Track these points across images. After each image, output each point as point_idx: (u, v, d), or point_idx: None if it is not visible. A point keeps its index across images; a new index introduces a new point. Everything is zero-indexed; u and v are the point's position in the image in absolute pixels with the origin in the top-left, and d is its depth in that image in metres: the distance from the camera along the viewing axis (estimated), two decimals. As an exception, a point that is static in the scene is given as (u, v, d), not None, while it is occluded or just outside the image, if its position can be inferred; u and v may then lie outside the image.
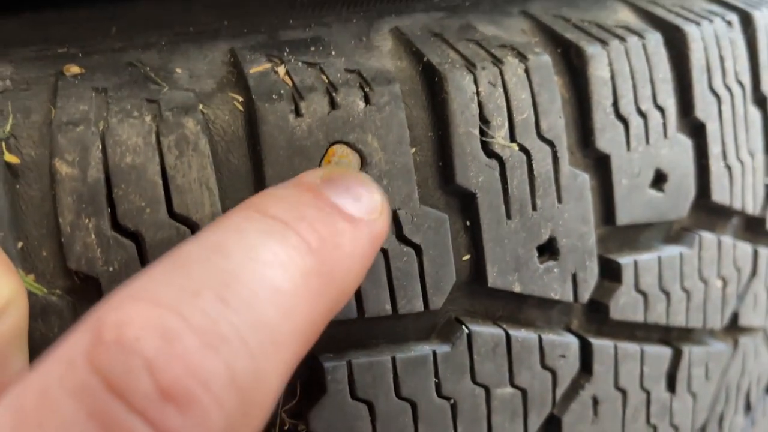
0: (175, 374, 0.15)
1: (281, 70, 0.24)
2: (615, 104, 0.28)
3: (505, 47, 0.27)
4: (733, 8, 0.35)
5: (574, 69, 0.28)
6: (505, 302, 0.28)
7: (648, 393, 0.32)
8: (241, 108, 0.23)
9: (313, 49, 0.25)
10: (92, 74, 0.24)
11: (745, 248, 0.36)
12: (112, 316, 0.16)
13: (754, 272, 0.37)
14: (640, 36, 0.30)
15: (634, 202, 0.30)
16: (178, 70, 0.24)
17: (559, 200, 0.27)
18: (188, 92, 0.23)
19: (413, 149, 0.25)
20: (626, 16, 0.32)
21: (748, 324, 0.38)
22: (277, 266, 0.18)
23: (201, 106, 0.23)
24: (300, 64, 0.24)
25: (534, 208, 0.27)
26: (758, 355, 0.40)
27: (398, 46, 0.27)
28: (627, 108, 0.29)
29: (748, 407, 0.39)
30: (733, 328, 0.37)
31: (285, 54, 0.25)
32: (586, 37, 0.28)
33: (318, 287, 0.18)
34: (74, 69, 0.23)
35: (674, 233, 0.33)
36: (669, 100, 0.30)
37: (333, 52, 0.25)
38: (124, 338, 0.16)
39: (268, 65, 0.24)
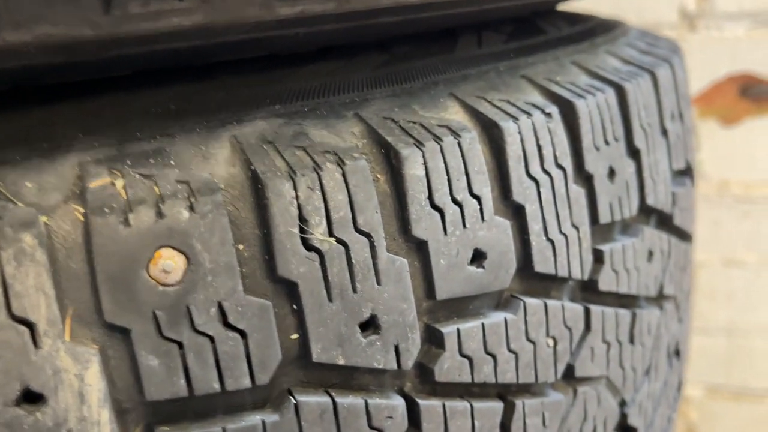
0: None
1: (119, 183, 0.28)
2: (430, 197, 0.33)
3: (328, 153, 0.31)
4: (556, 99, 0.40)
5: (393, 168, 0.32)
6: (337, 372, 0.32)
7: (479, 445, 0.36)
8: (81, 219, 0.27)
9: (152, 161, 0.29)
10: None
11: (575, 308, 0.40)
12: None
13: (588, 328, 0.42)
14: (456, 135, 0.34)
15: (454, 279, 0.34)
16: (29, 185, 0.28)
17: (379, 283, 0.32)
18: (31, 207, 0.26)
19: (242, 246, 0.29)
20: (454, 113, 0.37)
21: (586, 374, 0.42)
22: None
23: (45, 218, 0.27)
24: (137, 176, 0.28)
25: (354, 291, 0.31)
26: (602, 401, 0.44)
27: (233, 154, 0.31)
28: (442, 199, 0.33)
29: (590, 450, 0.43)
30: (571, 378, 0.41)
31: (126, 167, 0.29)
32: (405, 139, 0.33)
33: None
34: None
35: (503, 301, 0.37)
36: (485, 189, 0.35)
37: (172, 162, 0.29)
38: None
39: (107, 179, 0.28)
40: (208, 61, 0.36)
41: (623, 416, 0.47)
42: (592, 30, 0.54)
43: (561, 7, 0.65)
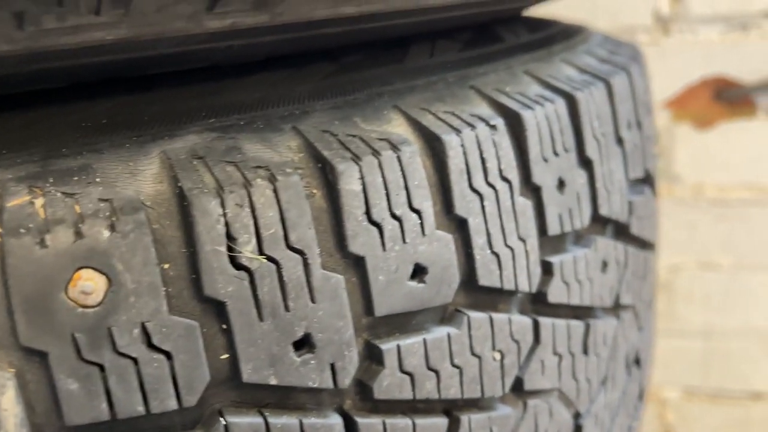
0: None
1: (39, 202, 0.27)
2: (367, 212, 0.32)
3: (260, 168, 0.31)
4: (503, 111, 0.39)
5: (329, 183, 0.32)
6: (272, 391, 0.32)
7: (422, 462, 0.35)
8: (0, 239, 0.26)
9: (76, 178, 0.28)
10: None
11: (523, 321, 0.40)
12: None
13: (537, 341, 0.41)
14: (396, 149, 0.34)
15: (393, 295, 0.33)
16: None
17: (313, 300, 0.31)
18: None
19: (167, 265, 0.29)
20: (397, 126, 0.36)
21: (537, 387, 0.42)
22: None
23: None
24: (59, 194, 0.28)
25: (287, 309, 0.30)
26: (554, 414, 0.44)
27: (162, 170, 0.30)
28: (380, 214, 0.33)
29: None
30: (520, 392, 0.41)
31: (48, 184, 0.28)
32: (343, 154, 0.32)
33: None
34: None
35: (448, 315, 0.37)
36: (425, 203, 0.34)
37: (97, 179, 0.29)
38: None
39: (27, 198, 0.27)
40: (144, 73, 0.36)
41: (578, 428, 0.47)
42: (551, 38, 0.54)
43: (535, 11, 0.65)
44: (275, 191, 0.30)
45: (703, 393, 1.38)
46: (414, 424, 0.35)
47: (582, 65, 0.49)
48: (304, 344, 0.31)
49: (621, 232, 0.50)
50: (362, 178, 0.32)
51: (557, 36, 0.55)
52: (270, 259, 0.30)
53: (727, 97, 1.22)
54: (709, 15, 1.20)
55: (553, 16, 0.67)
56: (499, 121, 0.38)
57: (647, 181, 0.55)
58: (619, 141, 0.48)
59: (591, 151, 0.44)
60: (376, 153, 0.33)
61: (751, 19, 1.19)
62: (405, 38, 0.48)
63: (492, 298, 0.39)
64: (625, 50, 0.58)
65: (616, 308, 0.50)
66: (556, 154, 0.41)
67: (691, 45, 1.22)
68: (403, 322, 0.35)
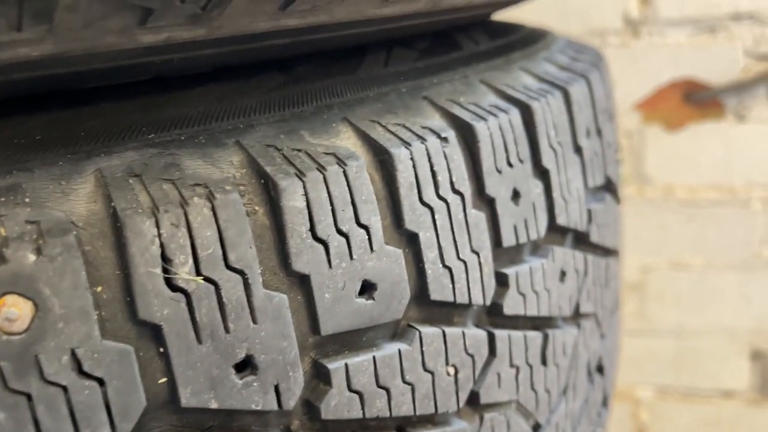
0: None
1: (-39, 225, 0.26)
2: (312, 229, 0.32)
3: (198, 186, 0.30)
4: (455, 122, 0.39)
5: (272, 200, 0.31)
6: (214, 414, 0.31)
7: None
8: None
9: (4, 199, 0.27)
10: None
11: (478, 334, 0.40)
12: None
13: (493, 354, 0.41)
14: (342, 163, 0.33)
15: (340, 313, 0.33)
16: None
17: (254, 321, 0.30)
18: None
19: (100, 288, 0.28)
20: (346, 139, 0.35)
21: (493, 400, 0.41)
22: None
23: None
24: (-17, 217, 0.26)
25: (227, 331, 0.30)
26: (512, 426, 0.43)
27: (96, 189, 0.29)
28: (326, 230, 0.32)
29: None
30: (476, 405, 0.41)
31: (-28, 207, 0.27)
32: (286, 169, 0.32)
33: None
34: None
35: (400, 331, 0.36)
36: (373, 218, 0.34)
37: (27, 200, 0.28)
38: None
39: (-51, 221, 0.26)
40: (83, 87, 0.35)
41: (537, 438, 0.46)
42: (511, 45, 0.53)
43: (503, 16, 0.64)
44: (213, 210, 0.29)
45: (675, 392, 1.39)
46: (364, 443, 0.35)
47: (540, 73, 0.49)
48: (246, 366, 0.31)
49: (580, 240, 0.50)
50: (306, 194, 0.32)
51: (517, 43, 0.54)
52: (208, 279, 0.29)
53: (695, 99, 1.23)
54: (678, 18, 1.21)
55: (521, 20, 0.67)
56: (451, 134, 0.38)
57: (608, 188, 0.55)
58: (578, 149, 0.48)
59: (547, 160, 0.44)
60: (321, 168, 0.32)
61: (718, 21, 1.20)
62: (360, 47, 0.47)
63: (446, 312, 0.38)
64: (586, 56, 0.58)
65: (576, 317, 0.50)
66: (510, 165, 0.41)
67: (660, 47, 1.23)
68: (352, 340, 0.34)
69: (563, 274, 0.47)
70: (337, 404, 0.33)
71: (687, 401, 1.39)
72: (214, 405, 0.30)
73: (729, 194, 1.26)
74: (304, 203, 0.32)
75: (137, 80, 0.36)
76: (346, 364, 0.33)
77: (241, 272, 0.30)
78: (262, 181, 0.32)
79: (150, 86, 0.38)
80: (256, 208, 0.31)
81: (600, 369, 0.56)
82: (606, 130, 0.55)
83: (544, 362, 0.45)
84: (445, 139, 0.37)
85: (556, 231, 0.46)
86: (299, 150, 0.33)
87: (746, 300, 1.31)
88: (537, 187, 0.43)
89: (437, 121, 0.38)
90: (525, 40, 0.56)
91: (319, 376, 0.33)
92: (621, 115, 1.28)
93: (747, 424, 1.36)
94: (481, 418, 0.41)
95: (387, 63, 0.45)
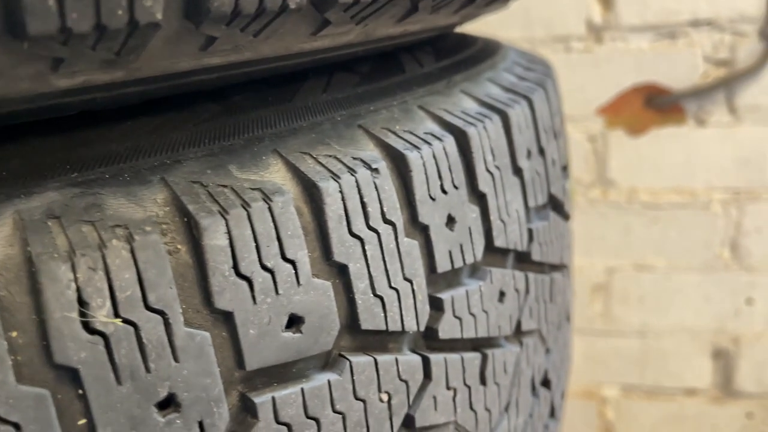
0: None
1: None
2: (235, 266, 0.32)
3: (118, 227, 0.30)
4: (388, 151, 0.39)
5: (194, 238, 0.32)
6: (138, 451, 0.31)
7: None
8: None
9: None
10: None
11: (411, 360, 0.40)
12: None
13: (428, 378, 0.42)
14: (268, 199, 0.33)
15: (266, 348, 0.33)
16: None
17: (176, 360, 0.31)
18: None
19: (15, 333, 0.28)
20: (275, 173, 0.36)
21: (429, 423, 0.42)
22: None
23: None
24: None
25: (148, 370, 0.30)
26: (450, 446, 0.44)
27: (14, 232, 0.29)
28: (249, 267, 0.33)
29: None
30: (412, 429, 0.41)
31: None
32: (209, 207, 0.32)
33: None
34: None
35: (331, 361, 0.37)
36: (300, 252, 0.34)
37: (-59, 245, 0.28)
38: None
39: None
40: (2, 125, 0.35)
41: (478, 457, 0.47)
42: (455, 66, 0.54)
43: (462, 27, 0.65)
44: (132, 251, 0.29)
45: (640, 390, 1.42)
46: (294, 473, 0.35)
47: (481, 96, 0.49)
48: (168, 404, 0.31)
49: (521, 260, 0.51)
50: (229, 231, 0.32)
51: (462, 64, 0.55)
52: (127, 321, 0.29)
53: (657, 104, 1.25)
54: (639, 24, 1.23)
55: (484, 29, 0.67)
56: (382, 164, 0.38)
57: (553, 205, 0.56)
58: (517, 171, 0.49)
59: (484, 185, 0.44)
60: (245, 205, 0.33)
61: (678, 28, 1.21)
62: (299, 73, 0.47)
63: (379, 340, 0.39)
64: (533, 73, 0.59)
65: (518, 335, 0.51)
66: (444, 191, 0.41)
67: (622, 53, 1.25)
68: (281, 372, 0.35)
69: (502, 294, 0.47)
70: (264, 437, 0.34)
71: (652, 399, 1.42)
72: (135, 444, 0.30)
73: (690, 197, 1.28)
74: (227, 241, 0.32)
75: (62, 116, 0.36)
76: (273, 397, 0.34)
77: (161, 312, 0.30)
78: (185, 219, 0.32)
79: (75, 122, 0.38)
80: (179, 246, 0.32)
81: (546, 383, 0.58)
82: (550, 149, 0.56)
83: (483, 382, 0.46)
84: (375, 170, 0.38)
85: (495, 253, 0.47)
86: (225, 186, 0.34)
87: (708, 300, 1.33)
88: (473, 212, 0.44)
89: (369, 152, 0.39)
90: (472, 59, 0.57)
91: (247, 410, 0.34)
92: (585, 119, 1.30)
93: (710, 421, 1.39)
94: (418, 441, 0.42)
95: (327, 88, 0.46)
